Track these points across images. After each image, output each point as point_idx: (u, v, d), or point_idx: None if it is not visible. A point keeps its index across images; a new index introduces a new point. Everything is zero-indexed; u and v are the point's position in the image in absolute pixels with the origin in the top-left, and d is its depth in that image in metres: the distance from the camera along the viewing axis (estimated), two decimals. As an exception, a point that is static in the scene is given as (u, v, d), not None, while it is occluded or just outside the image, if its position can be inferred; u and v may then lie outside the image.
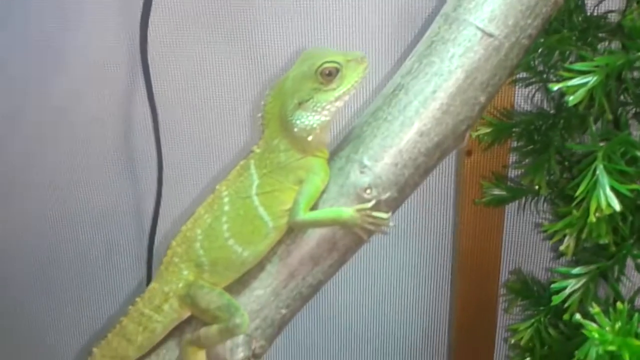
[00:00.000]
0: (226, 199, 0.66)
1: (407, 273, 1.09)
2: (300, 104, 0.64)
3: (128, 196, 1.13)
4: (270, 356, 0.69)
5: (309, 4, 0.92)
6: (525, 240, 1.01)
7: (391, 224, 0.65)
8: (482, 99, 0.65)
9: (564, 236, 0.74)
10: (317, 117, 0.64)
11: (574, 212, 0.71)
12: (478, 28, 0.64)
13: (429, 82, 0.65)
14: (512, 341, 0.91)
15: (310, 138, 0.65)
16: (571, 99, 0.67)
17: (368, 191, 0.65)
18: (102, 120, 1.08)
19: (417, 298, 1.11)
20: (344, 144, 0.69)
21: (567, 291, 0.74)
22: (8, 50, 1.05)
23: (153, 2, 0.87)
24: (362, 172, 0.66)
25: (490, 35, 0.63)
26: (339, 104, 0.64)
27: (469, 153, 0.97)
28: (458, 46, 0.64)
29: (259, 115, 0.67)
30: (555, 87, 0.67)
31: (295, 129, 0.64)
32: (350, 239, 0.67)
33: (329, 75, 0.63)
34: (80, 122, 1.08)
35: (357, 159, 0.66)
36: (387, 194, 0.66)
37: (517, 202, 0.94)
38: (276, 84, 0.66)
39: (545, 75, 0.85)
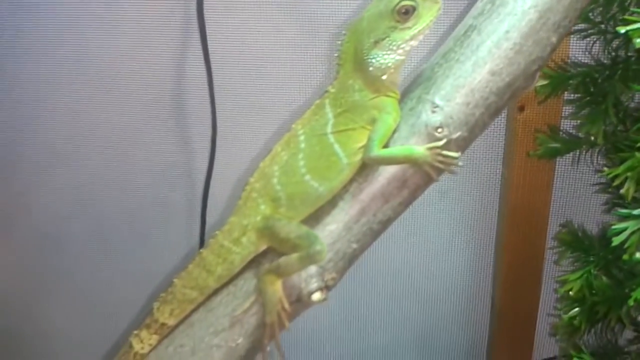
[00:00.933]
0: (302, 137, 0.69)
1: (454, 224, 1.11)
2: (376, 42, 0.66)
3: (182, 156, 1.14)
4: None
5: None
6: (575, 195, 1.03)
7: (460, 163, 0.68)
8: (554, 39, 0.67)
9: (625, 180, 0.76)
10: (392, 55, 0.66)
11: (636, 154, 0.73)
12: (552, -31, 0.65)
13: (502, 22, 0.66)
14: (561, 292, 0.93)
15: (384, 77, 0.67)
16: (638, 41, 0.68)
17: (439, 130, 0.68)
18: (157, 80, 1.09)
19: (463, 247, 1.13)
20: (413, 86, 0.71)
21: (627, 233, 0.76)
22: (61, 14, 1.06)
23: None
24: (433, 112, 0.68)
25: (564, -24, 0.65)
26: (414, 43, 0.66)
27: (521, 108, 0.99)
28: (531, -13, 0.66)
29: (335, 55, 0.69)
30: (623, 29, 0.69)
31: (371, 68, 0.67)
32: (420, 177, 0.69)
33: (406, 13, 0.65)
34: (135, 82, 1.10)
35: (428, 99, 0.68)
36: (458, 134, 0.68)
37: (569, 156, 0.96)
38: (352, 24, 0.68)
39: (603, 27, 0.86)
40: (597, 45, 0.89)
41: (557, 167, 1.02)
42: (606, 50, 0.89)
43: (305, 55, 1.03)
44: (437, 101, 0.68)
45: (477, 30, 0.68)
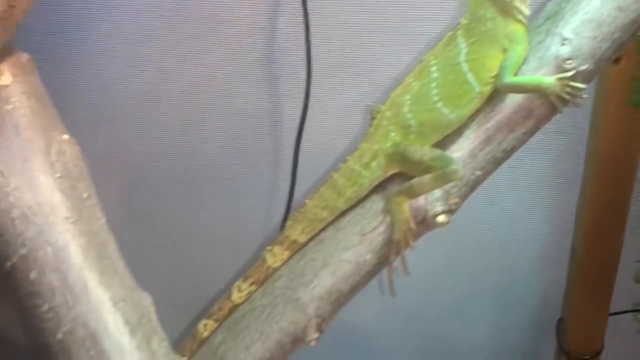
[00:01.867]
0: (434, 67, 0.74)
1: (536, 173, 1.13)
2: None
3: (273, 110, 1.13)
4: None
5: None
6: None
7: (585, 96, 0.72)
8: (685, -22, 0.70)
9: None
10: None
11: None
12: None
13: (633, -39, 0.70)
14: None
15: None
16: None
17: (568, 62, 0.71)
18: (251, 29, 1.07)
19: (542, 204, 1.16)
20: (540, 21, 0.75)
21: None
22: None
23: None
24: (563, 44, 0.72)
25: None
26: None
27: (617, 60, 1.01)
28: None
29: None
30: None
31: None
32: (545, 107, 0.73)
33: None
34: (228, 28, 1.08)
35: (557, 32, 0.72)
36: (585, 66, 0.71)
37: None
38: None
39: None
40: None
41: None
42: None
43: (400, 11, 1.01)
44: (567, 34, 0.71)
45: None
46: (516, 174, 1.14)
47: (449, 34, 0.74)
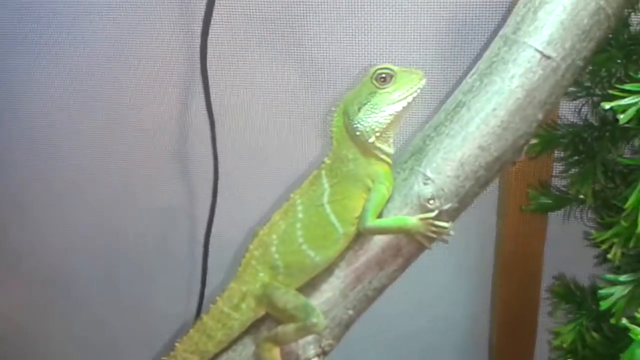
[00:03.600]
0: (300, 207, 0.72)
1: (450, 274, 1.13)
2: (359, 108, 0.70)
3: (184, 204, 1.16)
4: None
5: (369, 21, 0.97)
6: (568, 246, 1.05)
7: (452, 232, 0.71)
8: (540, 116, 0.70)
9: (612, 245, 0.78)
10: (375, 118, 0.70)
11: (622, 222, 0.75)
12: (537, 50, 0.68)
13: (489, 100, 0.70)
14: (555, 343, 0.95)
15: (371, 140, 0.70)
16: (622, 117, 0.70)
17: (431, 201, 0.70)
18: (159, 129, 1.11)
19: (458, 300, 1.15)
20: (406, 155, 0.74)
21: (614, 297, 0.78)
22: (70, 58, 1.09)
23: (213, 14, 0.91)
24: (425, 184, 0.71)
25: (549, 57, 0.68)
26: (396, 107, 0.70)
27: (514, 163, 1.02)
28: (518, 67, 0.69)
29: (329, 130, 0.73)
30: (607, 105, 0.71)
31: (357, 132, 0.70)
32: (413, 246, 0.72)
33: (383, 80, 0.70)
34: (138, 128, 1.12)
35: (420, 171, 0.71)
36: (449, 205, 0.71)
37: (560, 211, 0.99)
38: (340, 101, 0.73)
39: (591, 90, 0.89)
40: (586, 107, 0.92)
41: (549, 219, 1.04)
42: (594, 112, 0.92)
43: (305, 107, 1.05)
44: (429, 174, 0.71)
45: (467, 107, 0.71)
46: (433, 272, 1.14)
47: (315, 172, 0.73)
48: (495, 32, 0.74)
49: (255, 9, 1.00)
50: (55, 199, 1.21)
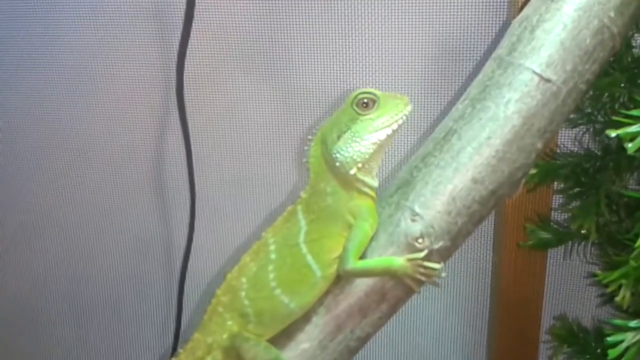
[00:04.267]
0: (273, 247, 0.64)
1: (444, 314, 1.05)
2: (339, 136, 0.63)
3: (160, 234, 1.12)
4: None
5: (351, 45, 0.91)
6: (569, 284, 0.98)
7: (443, 274, 0.63)
8: (539, 145, 0.63)
9: (619, 286, 0.71)
10: (356, 147, 0.63)
11: (632, 262, 0.68)
12: (535, 73, 0.62)
13: (483, 128, 0.63)
14: (557, 389, 0.88)
15: (352, 172, 0.63)
16: (630, 146, 0.64)
17: (420, 240, 0.63)
18: (135, 155, 1.07)
19: (454, 340, 1.07)
20: (392, 189, 0.67)
21: (624, 345, 0.70)
22: (43, 87, 1.05)
23: (190, 39, 0.87)
24: (413, 220, 0.63)
25: (548, 80, 0.61)
26: (380, 136, 0.63)
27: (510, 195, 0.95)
28: (514, 91, 0.62)
29: (304, 160, 0.66)
30: (613, 133, 0.65)
31: (337, 163, 0.63)
32: (400, 289, 0.64)
33: (366, 106, 0.63)
34: (113, 156, 1.08)
35: (408, 206, 0.64)
36: (440, 244, 0.63)
37: (561, 247, 0.91)
38: (318, 128, 0.66)
39: (593, 117, 0.83)
40: (587, 135, 0.86)
41: (549, 255, 0.97)
42: (597, 140, 0.86)
43: (284, 135, 1.00)
44: (417, 209, 0.63)
45: (458, 135, 0.64)
46: (427, 311, 1.07)
47: (289, 208, 0.66)
48: (487, 54, 0.67)
49: (233, 34, 0.95)
50: (26, 230, 1.16)
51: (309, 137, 0.65)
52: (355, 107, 0.63)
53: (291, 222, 0.65)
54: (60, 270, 1.18)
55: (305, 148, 0.65)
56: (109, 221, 1.12)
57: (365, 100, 0.63)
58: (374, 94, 0.63)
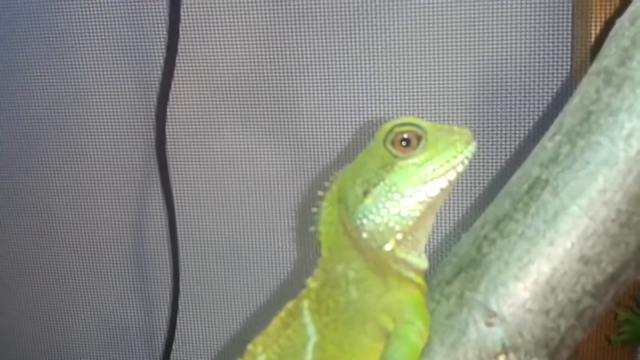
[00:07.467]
0: (263, 365, 0.41)
1: None
2: (366, 192, 0.41)
3: (141, 312, 0.96)
4: None
5: (368, 70, 0.70)
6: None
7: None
8: (685, 202, 0.40)
9: None
10: (394, 210, 0.41)
11: None
12: (671, 89, 0.40)
13: (593, 176, 0.41)
14: None
15: (388, 247, 0.41)
16: None
17: (502, 358, 0.39)
18: (115, 227, 0.92)
19: None
20: (449, 272, 0.44)
21: None
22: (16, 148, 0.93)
23: (170, 97, 0.75)
24: (489, 325, 0.40)
25: (693, 99, 0.40)
26: (430, 190, 0.41)
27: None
28: (638, 118, 0.41)
29: (312, 229, 0.43)
30: None
31: (364, 234, 0.41)
32: None
33: (407, 144, 0.41)
34: (92, 224, 0.93)
35: (478, 300, 0.41)
36: (534, 362, 0.40)
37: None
38: (332, 180, 0.43)
39: None
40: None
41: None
42: None
43: (281, 196, 0.82)
44: (494, 306, 0.40)
45: (551, 188, 0.41)
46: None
47: (290, 305, 0.42)
48: (582, 68, 0.46)
49: (221, 73, 0.80)
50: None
51: (320, 192, 0.42)
52: (390, 146, 0.41)
53: (293, 327, 0.41)
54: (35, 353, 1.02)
55: (314, 210, 0.42)
56: (87, 300, 0.97)
57: (406, 136, 0.41)
58: (419, 127, 0.41)
